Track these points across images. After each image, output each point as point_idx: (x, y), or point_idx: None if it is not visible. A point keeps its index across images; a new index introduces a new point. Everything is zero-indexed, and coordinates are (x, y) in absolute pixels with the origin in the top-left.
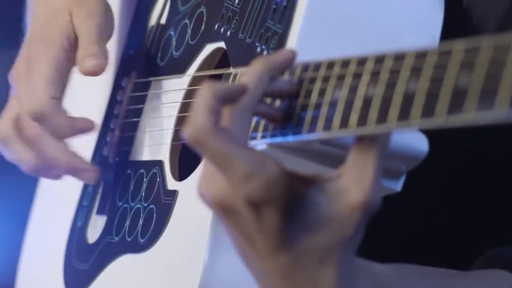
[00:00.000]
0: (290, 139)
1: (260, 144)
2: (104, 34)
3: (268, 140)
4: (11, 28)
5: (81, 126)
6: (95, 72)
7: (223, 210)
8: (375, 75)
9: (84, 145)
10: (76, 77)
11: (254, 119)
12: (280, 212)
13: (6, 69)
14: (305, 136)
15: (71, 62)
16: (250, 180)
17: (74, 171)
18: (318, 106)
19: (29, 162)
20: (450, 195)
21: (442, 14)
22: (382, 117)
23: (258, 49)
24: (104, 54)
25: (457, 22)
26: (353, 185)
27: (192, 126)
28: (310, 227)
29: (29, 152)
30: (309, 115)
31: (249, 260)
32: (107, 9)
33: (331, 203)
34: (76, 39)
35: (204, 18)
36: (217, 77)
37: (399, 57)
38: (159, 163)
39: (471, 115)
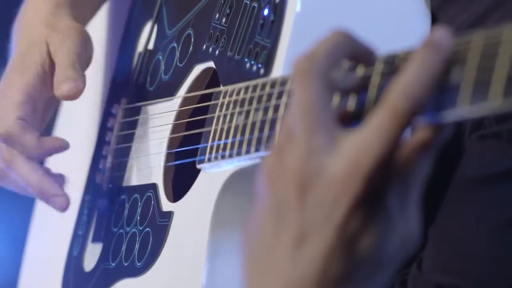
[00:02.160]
0: None
1: (254, 158)
2: (81, 58)
3: (262, 154)
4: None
5: (51, 146)
6: (72, 95)
7: (270, 180)
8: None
9: (77, 173)
10: (67, 107)
11: (246, 137)
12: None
13: None
14: None
15: (48, 88)
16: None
17: (44, 195)
18: None
19: (24, 188)
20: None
21: (429, 25)
22: None
23: (247, 65)
24: (80, 77)
25: None
26: None
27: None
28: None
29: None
30: None
31: (274, 263)
32: (84, 35)
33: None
34: (53, 65)
35: (192, 40)
36: (209, 97)
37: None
38: (153, 186)
39: (466, 109)
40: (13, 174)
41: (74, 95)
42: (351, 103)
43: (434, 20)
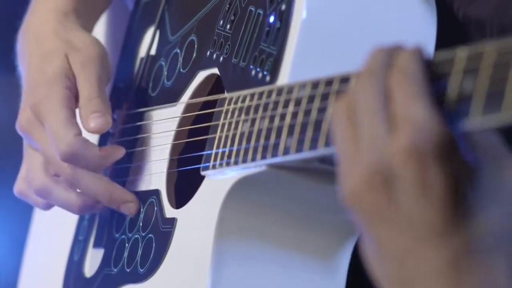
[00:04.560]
0: (291, 158)
1: (260, 165)
2: (103, 83)
3: (268, 161)
4: (8, 54)
5: (112, 154)
6: (101, 130)
7: (380, 182)
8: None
9: None
10: None
11: (252, 144)
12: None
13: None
14: (306, 154)
15: (76, 98)
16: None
17: (115, 203)
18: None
19: (76, 203)
20: None
21: (435, 28)
22: None
23: (253, 72)
24: (107, 109)
25: (453, 33)
26: None
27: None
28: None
29: (71, 193)
30: (309, 133)
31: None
32: (103, 54)
33: None
34: (74, 78)
35: (195, 46)
36: (212, 103)
37: None
38: (156, 192)
39: (478, 120)
40: (80, 188)
41: (103, 130)
42: None
43: (456, 19)
